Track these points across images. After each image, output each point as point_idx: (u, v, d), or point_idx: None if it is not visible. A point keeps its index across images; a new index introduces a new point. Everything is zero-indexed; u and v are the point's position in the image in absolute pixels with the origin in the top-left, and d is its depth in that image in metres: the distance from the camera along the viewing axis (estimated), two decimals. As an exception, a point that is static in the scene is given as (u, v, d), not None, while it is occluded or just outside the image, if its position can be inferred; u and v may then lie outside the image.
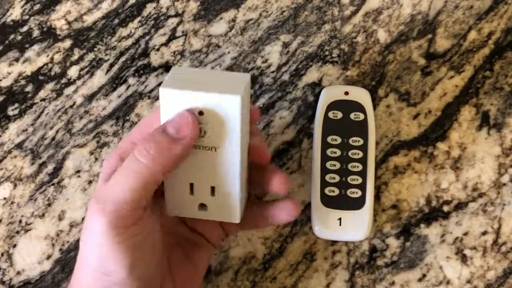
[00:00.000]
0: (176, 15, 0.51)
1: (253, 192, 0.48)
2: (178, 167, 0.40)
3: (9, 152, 0.50)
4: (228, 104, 0.38)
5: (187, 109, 0.38)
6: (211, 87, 0.38)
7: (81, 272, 0.39)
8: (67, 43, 0.51)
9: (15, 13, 0.51)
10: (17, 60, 0.51)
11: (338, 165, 0.47)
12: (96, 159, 0.50)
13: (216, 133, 0.39)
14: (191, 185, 0.41)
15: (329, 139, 0.47)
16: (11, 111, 0.51)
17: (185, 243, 0.45)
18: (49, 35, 0.51)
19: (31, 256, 0.50)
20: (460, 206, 0.49)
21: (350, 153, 0.47)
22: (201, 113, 0.38)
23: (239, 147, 0.39)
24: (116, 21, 0.51)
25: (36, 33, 0.51)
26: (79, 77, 0.51)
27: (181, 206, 0.42)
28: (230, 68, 0.51)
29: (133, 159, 0.38)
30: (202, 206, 0.42)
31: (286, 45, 0.51)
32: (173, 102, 0.38)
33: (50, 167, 0.50)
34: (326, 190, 0.47)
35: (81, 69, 0.51)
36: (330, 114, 0.47)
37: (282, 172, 0.42)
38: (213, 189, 0.41)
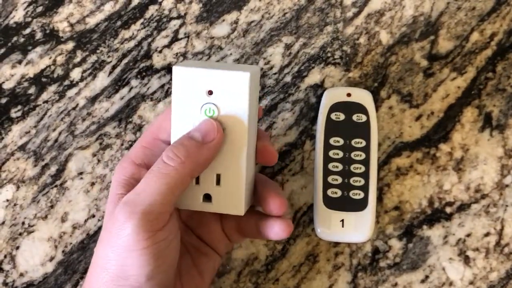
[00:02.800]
0: (179, 17, 0.51)
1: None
2: None
3: (12, 154, 0.50)
4: (237, 82, 0.39)
5: (209, 118, 0.40)
6: (221, 68, 0.40)
7: (95, 275, 0.39)
8: (70, 45, 0.51)
9: (18, 15, 0.51)
10: (20, 62, 0.51)
11: (340, 167, 0.47)
12: (99, 161, 0.50)
13: (224, 113, 0.40)
14: None
15: (331, 140, 0.47)
16: (14, 113, 0.51)
17: (194, 251, 0.44)
18: (52, 37, 0.51)
19: (34, 258, 0.50)
20: (463, 207, 0.49)
21: (352, 155, 0.47)
22: (210, 92, 0.40)
23: (246, 128, 0.40)
24: (119, 23, 0.51)
25: (38, 35, 0.51)
26: (81, 79, 0.51)
27: (185, 197, 0.42)
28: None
29: (161, 163, 0.38)
30: (206, 198, 0.42)
31: (288, 46, 0.51)
32: (185, 80, 0.40)
33: (53, 169, 0.50)
34: (329, 192, 0.47)
35: (84, 71, 0.51)
36: (333, 116, 0.47)
37: (280, 192, 0.42)
38: (218, 178, 0.41)
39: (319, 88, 0.51)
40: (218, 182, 0.41)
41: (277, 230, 0.42)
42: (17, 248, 0.50)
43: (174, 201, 0.38)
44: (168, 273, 0.39)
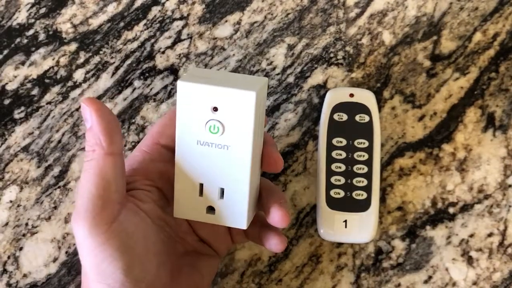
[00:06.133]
0: (181, 18, 0.51)
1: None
2: (189, 167, 0.40)
3: (16, 155, 0.51)
4: (243, 100, 0.38)
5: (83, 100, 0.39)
6: (227, 83, 0.39)
7: (84, 284, 0.40)
8: (73, 46, 0.51)
9: (21, 17, 0.52)
10: (23, 63, 0.51)
11: (343, 167, 0.47)
12: (102, 161, 0.50)
13: (229, 130, 0.39)
14: (201, 186, 0.41)
15: (334, 141, 0.47)
16: (17, 114, 0.51)
17: (194, 252, 0.44)
18: (55, 38, 0.51)
19: (38, 259, 0.50)
20: (466, 208, 0.49)
21: (355, 155, 0.47)
22: (215, 109, 0.39)
23: (251, 146, 0.39)
24: (122, 24, 0.51)
25: (42, 36, 0.51)
26: (84, 80, 0.51)
27: (189, 208, 0.42)
28: (235, 71, 0.51)
29: (84, 159, 0.39)
30: (210, 210, 0.42)
31: (291, 47, 0.51)
32: (189, 96, 0.39)
33: (56, 170, 0.50)
34: (332, 192, 0.47)
35: (87, 72, 0.51)
36: (335, 116, 0.47)
37: (283, 204, 0.42)
38: (222, 191, 0.41)
39: (322, 89, 0.51)
40: (222, 195, 0.41)
41: (271, 243, 0.43)
42: (21, 249, 0.50)
43: (113, 187, 0.38)
44: (147, 267, 0.39)
